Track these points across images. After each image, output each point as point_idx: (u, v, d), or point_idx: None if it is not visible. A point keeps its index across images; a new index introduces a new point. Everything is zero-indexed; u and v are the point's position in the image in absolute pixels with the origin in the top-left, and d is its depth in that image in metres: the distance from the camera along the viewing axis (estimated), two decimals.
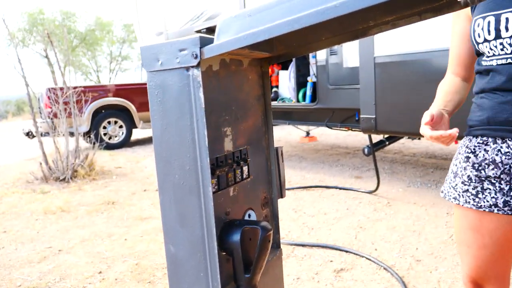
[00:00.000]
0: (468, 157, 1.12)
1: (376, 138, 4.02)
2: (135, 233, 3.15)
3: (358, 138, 7.51)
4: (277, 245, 0.98)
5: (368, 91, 3.15)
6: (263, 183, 0.94)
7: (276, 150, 0.98)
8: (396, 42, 2.97)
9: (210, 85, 0.74)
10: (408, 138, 4.97)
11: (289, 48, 0.89)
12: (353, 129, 4.32)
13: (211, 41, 0.69)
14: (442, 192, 1.23)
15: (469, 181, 1.11)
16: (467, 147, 1.13)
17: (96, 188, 4.70)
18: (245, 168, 0.85)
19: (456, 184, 1.15)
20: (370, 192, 3.90)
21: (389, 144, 4.08)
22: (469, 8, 1.13)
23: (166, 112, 0.74)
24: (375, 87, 3.09)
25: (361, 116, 3.25)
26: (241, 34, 0.64)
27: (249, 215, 0.87)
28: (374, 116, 3.14)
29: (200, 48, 0.68)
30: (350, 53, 3.65)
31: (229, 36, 0.66)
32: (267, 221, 0.95)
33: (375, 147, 3.84)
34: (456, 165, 1.17)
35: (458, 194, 1.14)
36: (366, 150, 3.80)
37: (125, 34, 28.45)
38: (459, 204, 1.14)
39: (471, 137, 1.14)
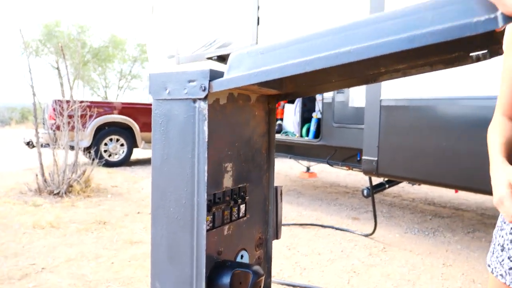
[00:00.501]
0: None
1: (376, 180, 3.98)
2: (123, 257, 3.07)
3: (358, 178, 7.46)
4: None
5: (372, 133, 3.14)
6: (259, 222, 0.90)
7: (276, 189, 0.95)
8: (403, 87, 2.98)
9: (216, 119, 0.72)
10: (408, 182, 4.93)
11: (298, 87, 0.87)
12: (354, 169, 4.29)
13: (221, 74, 0.68)
14: (489, 266, 1.07)
15: None
16: None
17: (89, 206, 4.63)
18: (242, 207, 0.82)
19: (503, 260, 1.01)
20: (367, 235, 3.82)
21: (388, 187, 4.04)
22: None
23: (168, 142, 0.72)
24: (380, 129, 3.09)
25: (363, 157, 3.22)
26: (252, 70, 0.62)
27: (242, 256, 0.84)
28: (376, 159, 3.12)
29: (210, 81, 0.66)
30: (356, 93, 3.66)
31: (240, 72, 0.64)
32: (260, 264, 0.91)
33: (374, 189, 3.80)
34: (502, 237, 1.02)
35: (505, 272, 1.00)
36: (365, 191, 3.75)
37: (137, 53, 28.90)
38: (505, 283, 1.00)
39: None
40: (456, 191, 5.57)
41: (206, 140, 0.68)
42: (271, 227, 0.95)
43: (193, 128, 0.68)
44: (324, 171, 8.26)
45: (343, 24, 0.57)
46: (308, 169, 7.64)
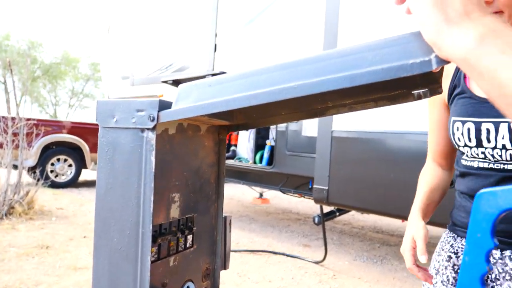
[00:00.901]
0: (450, 257, 1.06)
1: (327, 208, 4.06)
2: (66, 284, 2.92)
3: (310, 205, 7.57)
4: None
5: (323, 162, 3.22)
6: (207, 253, 0.90)
7: (225, 219, 0.95)
8: (354, 119, 3.10)
9: (164, 149, 0.72)
10: (357, 211, 5.06)
11: (248, 119, 0.89)
12: (306, 197, 4.35)
13: (170, 105, 0.68)
14: (423, 286, 1.16)
15: (447, 282, 1.05)
16: (451, 246, 1.08)
17: (31, 229, 4.38)
18: (189, 237, 0.81)
19: (436, 282, 1.08)
20: (317, 263, 3.86)
21: (339, 215, 4.13)
22: (444, 95, 1.10)
23: (114, 171, 0.71)
24: (330, 159, 3.17)
25: (314, 186, 3.29)
26: (199, 102, 0.63)
27: (188, 287, 0.82)
28: (327, 188, 3.19)
29: (158, 111, 0.66)
30: (309, 123, 3.76)
31: (188, 103, 0.65)
32: None
33: (325, 217, 3.87)
34: (438, 262, 1.11)
35: None
36: (316, 219, 3.81)
37: (91, 72, 28.24)
38: None
39: (456, 236, 1.09)
40: (403, 221, 5.77)
41: (153, 170, 0.67)
42: (219, 258, 0.94)
43: (140, 158, 0.68)
44: (277, 197, 8.32)
45: (287, 61, 0.60)
46: (261, 195, 7.67)
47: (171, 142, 0.75)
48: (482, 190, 0.54)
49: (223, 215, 0.95)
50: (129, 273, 0.69)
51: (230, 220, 0.97)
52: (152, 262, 0.70)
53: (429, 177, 1.18)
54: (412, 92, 0.78)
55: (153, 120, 0.67)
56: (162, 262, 0.74)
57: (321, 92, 0.57)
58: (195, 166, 0.83)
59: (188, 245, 0.82)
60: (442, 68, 0.74)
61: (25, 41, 26.17)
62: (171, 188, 0.75)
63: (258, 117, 0.88)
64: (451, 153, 1.16)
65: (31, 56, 24.85)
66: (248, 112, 0.87)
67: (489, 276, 0.97)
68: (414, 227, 1.05)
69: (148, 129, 0.68)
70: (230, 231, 0.96)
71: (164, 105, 0.68)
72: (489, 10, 0.47)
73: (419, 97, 0.79)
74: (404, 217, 3.17)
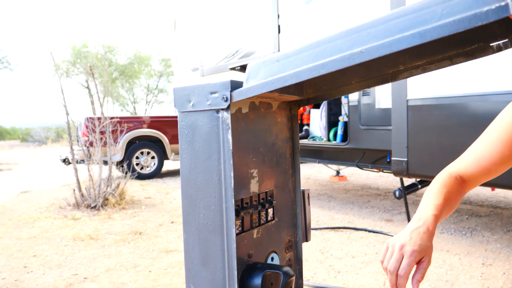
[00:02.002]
0: None
1: (409, 180, 3.91)
2: (160, 266, 3.15)
3: (389, 180, 7.34)
4: None
5: (400, 133, 3.10)
6: (288, 226, 0.93)
7: (303, 192, 0.97)
8: (430, 85, 2.94)
9: (239, 127, 0.75)
10: None
11: (318, 91, 0.90)
12: (385, 171, 4.24)
13: (241, 84, 0.71)
14: None
15: None
16: None
17: (125, 218, 4.76)
18: (270, 211, 0.85)
19: None
20: None
21: (421, 187, 3.97)
22: None
23: (195, 152, 0.76)
24: (408, 129, 3.05)
25: (393, 158, 3.19)
26: (269, 78, 0.65)
27: (272, 258, 0.86)
28: (406, 159, 3.08)
29: (231, 91, 0.69)
30: (382, 94, 3.63)
31: (258, 81, 0.67)
32: (291, 265, 0.93)
33: (406, 190, 3.74)
34: None
35: None
36: (397, 193, 3.70)
37: (162, 68, 29.50)
38: None
39: None
40: (493, 189, 5.40)
41: (231, 148, 0.71)
42: (300, 230, 0.97)
43: (217, 137, 0.72)
44: (354, 174, 8.18)
45: (353, 26, 0.60)
46: (338, 172, 7.59)
47: (246, 120, 0.78)
48: None
49: (301, 189, 0.97)
50: (217, 245, 0.74)
51: (308, 194, 0.98)
52: (237, 234, 0.74)
53: (451, 193, 0.93)
54: (491, 44, 0.73)
55: (226, 100, 0.70)
56: (246, 234, 0.78)
57: (391, 53, 0.56)
58: (270, 142, 0.85)
59: (269, 218, 0.85)
60: None
61: (102, 46, 27.99)
62: (249, 164, 0.78)
63: (328, 88, 0.88)
64: (489, 173, 0.94)
65: (108, 59, 26.55)
66: (318, 85, 0.87)
67: None
68: (425, 246, 0.83)
69: (222, 109, 0.71)
70: (309, 204, 0.98)
71: (236, 85, 0.71)
72: None
73: (499, 49, 0.74)
74: (493, 184, 2.97)
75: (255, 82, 0.68)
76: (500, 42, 0.73)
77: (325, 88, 0.88)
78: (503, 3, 0.49)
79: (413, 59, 0.77)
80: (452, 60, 0.76)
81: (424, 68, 0.79)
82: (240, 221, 0.76)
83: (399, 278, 0.81)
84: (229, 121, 0.70)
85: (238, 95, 0.69)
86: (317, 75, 0.61)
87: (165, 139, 8.33)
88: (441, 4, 0.54)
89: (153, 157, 8.29)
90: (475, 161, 0.92)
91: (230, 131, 0.70)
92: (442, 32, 0.52)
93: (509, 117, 0.83)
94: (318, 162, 5.00)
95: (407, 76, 0.81)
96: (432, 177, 3.18)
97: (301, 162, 9.89)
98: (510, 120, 0.82)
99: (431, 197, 0.91)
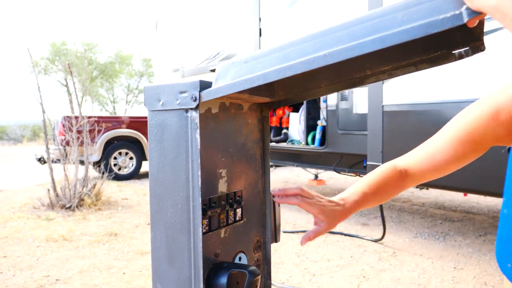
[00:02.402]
0: None
1: None
2: (134, 268, 3.11)
3: None
4: None
5: (376, 138, 3.16)
6: (257, 226, 0.93)
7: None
8: (405, 91, 3.00)
9: (208, 127, 0.76)
10: (417, 187, 4.92)
11: (289, 94, 0.91)
12: (361, 175, 4.29)
13: (210, 85, 0.72)
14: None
15: None
16: None
17: (100, 219, 4.69)
18: (238, 211, 0.85)
19: None
20: (376, 241, 3.82)
21: None
22: (503, 112, 0.79)
23: (164, 150, 0.76)
24: (383, 135, 3.10)
25: (368, 162, 3.24)
26: (237, 79, 0.66)
27: (240, 258, 0.87)
28: (380, 164, 3.13)
29: (200, 91, 0.70)
30: (360, 100, 3.69)
31: (227, 81, 0.68)
32: (259, 266, 0.94)
33: None
34: None
35: None
36: None
37: (144, 68, 29.22)
38: None
39: None
40: (465, 194, 5.53)
41: (199, 147, 0.71)
42: (269, 231, 0.98)
43: (186, 136, 0.72)
44: (333, 178, 8.26)
45: (318, 30, 0.61)
46: (316, 176, 7.64)
47: (215, 121, 0.78)
48: None
49: (271, 189, 0.98)
50: (184, 244, 0.74)
51: None
52: (203, 233, 0.75)
53: (387, 179, 0.96)
54: (453, 52, 0.76)
55: (195, 100, 0.71)
56: (213, 234, 0.78)
57: (353, 56, 0.58)
58: (240, 143, 0.86)
59: (237, 218, 0.86)
60: (483, 25, 0.71)
61: (82, 44, 27.56)
62: (217, 163, 0.79)
63: (298, 91, 0.90)
64: (436, 169, 0.93)
65: (87, 57, 26.15)
66: (288, 87, 0.89)
67: None
68: (331, 214, 0.87)
69: (191, 109, 0.71)
70: (279, 205, 0.99)
71: (205, 85, 0.72)
72: None
73: (461, 57, 0.77)
74: (465, 190, 3.04)
75: (224, 83, 0.69)
76: (462, 50, 0.75)
77: (295, 91, 0.90)
78: (457, 12, 0.52)
79: (379, 64, 0.79)
80: (417, 66, 0.79)
81: (390, 74, 0.81)
82: (207, 220, 0.77)
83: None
84: (197, 120, 0.71)
85: (207, 95, 0.69)
86: (284, 77, 0.62)
87: (144, 140, 8.25)
88: (401, 11, 0.56)
89: (131, 158, 8.20)
90: (427, 157, 0.93)
91: (198, 130, 0.71)
92: (402, 38, 0.54)
93: (466, 117, 0.84)
94: (297, 166, 5.04)
95: (374, 80, 0.83)
96: None
97: (280, 166, 9.91)
98: (467, 120, 0.83)
99: (365, 183, 0.94)
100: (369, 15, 0.58)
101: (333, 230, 4.22)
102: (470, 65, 2.62)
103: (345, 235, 4.05)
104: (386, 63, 0.79)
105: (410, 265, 3.20)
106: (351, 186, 0.95)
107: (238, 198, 0.85)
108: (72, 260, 3.28)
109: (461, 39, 0.73)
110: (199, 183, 0.71)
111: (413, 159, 0.97)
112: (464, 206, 5.49)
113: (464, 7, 0.52)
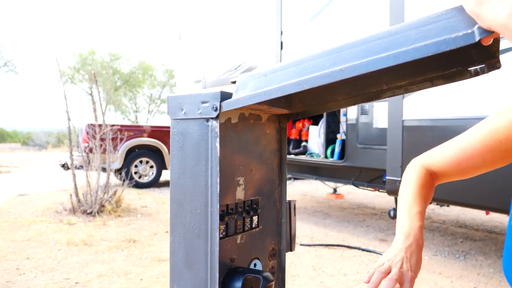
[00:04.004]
0: None
1: None
2: (152, 274, 3.15)
3: (386, 199, 7.35)
4: None
5: (395, 153, 3.14)
6: (272, 234, 0.96)
7: (289, 203, 1.01)
8: (425, 107, 2.99)
9: (227, 136, 0.79)
10: (437, 204, 4.84)
11: (307, 106, 0.94)
12: (380, 190, 4.26)
13: (230, 96, 0.75)
14: None
15: None
16: None
17: (120, 225, 4.77)
18: (254, 218, 0.88)
19: None
20: None
21: None
22: None
23: (185, 157, 0.79)
24: (402, 149, 3.09)
25: (387, 177, 3.22)
26: (256, 91, 0.69)
27: (255, 265, 0.89)
28: (400, 179, 3.11)
29: (220, 101, 0.73)
30: (380, 114, 3.68)
31: (246, 93, 0.71)
32: (273, 273, 0.96)
33: None
34: None
35: None
36: (391, 212, 3.72)
37: (166, 79, 29.70)
38: None
39: None
40: (487, 213, 5.41)
41: (218, 155, 0.75)
42: (284, 239, 1.00)
43: (206, 145, 0.76)
44: (352, 193, 8.19)
45: (335, 46, 0.64)
46: (335, 190, 7.59)
47: (234, 130, 0.82)
48: None
49: (288, 199, 1.01)
50: (201, 248, 0.77)
51: (294, 205, 1.02)
52: (220, 238, 0.78)
53: (427, 188, 0.94)
54: (469, 69, 0.78)
55: (216, 110, 0.74)
56: (230, 239, 0.81)
57: (368, 72, 0.61)
58: (258, 152, 0.89)
59: (254, 225, 0.88)
60: (498, 43, 0.73)
61: (107, 54, 28.25)
62: (235, 172, 0.82)
63: (316, 103, 0.93)
64: (464, 171, 0.92)
65: (112, 67, 26.76)
66: (306, 100, 0.92)
67: None
68: (419, 266, 0.84)
69: (212, 118, 0.75)
70: (295, 215, 1.02)
71: (226, 96, 0.75)
72: None
73: (477, 74, 0.78)
74: (487, 208, 2.99)
75: (244, 94, 0.72)
76: (478, 67, 0.77)
77: (313, 103, 0.92)
78: (469, 31, 0.54)
79: (395, 79, 0.81)
80: (433, 82, 0.80)
81: (406, 89, 0.83)
82: (224, 225, 0.80)
83: None
84: (217, 129, 0.74)
85: (227, 105, 0.73)
86: (300, 90, 0.65)
87: (164, 149, 8.38)
88: (415, 29, 0.58)
89: (151, 166, 8.32)
90: (454, 159, 0.92)
91: (218, 139, 0.74)
92: (415, 55, 0.57)
93: (496, 124, 0.83)
94: (315, 179, 5.03)
95: (390, 95, 0.85)
96: None
97: (298, 178, 9.88)
98: (497, 127, 0.83)
99: (412, 201, 0.90)
100: (384, 32, 0.61)
101: (351, 244, 4.18)
102: (492, 81, 2.60)
103: (363, 250, 4.01)
104: (402, 79, 0.81)
105: (428, 283, 3.14)
106: (403, 205, 0.90)
107: (254, 206, 0.88)
108: (92, 264, 3.34)
109: (476, 56, 0.75)
110: (218, 189, 0.74)
111: (439, 160, 0.96)
112: (487, 225, 5.36)
113: (476, 26, 0.54)
